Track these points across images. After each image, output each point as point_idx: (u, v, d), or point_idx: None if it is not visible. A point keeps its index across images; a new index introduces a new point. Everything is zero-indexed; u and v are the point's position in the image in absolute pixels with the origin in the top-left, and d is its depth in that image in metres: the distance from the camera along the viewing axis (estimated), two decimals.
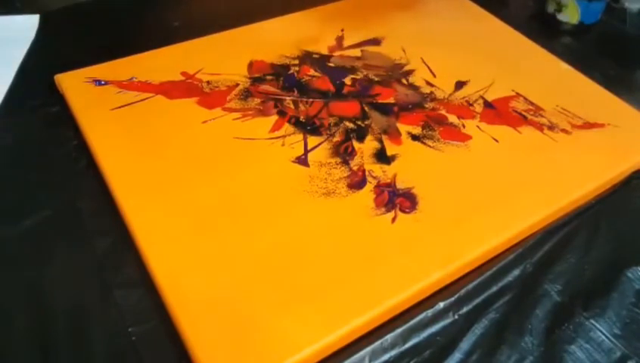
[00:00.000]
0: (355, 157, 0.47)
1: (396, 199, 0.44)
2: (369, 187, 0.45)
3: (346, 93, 0.54)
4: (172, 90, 0.52)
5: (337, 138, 0.49)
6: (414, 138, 0.50)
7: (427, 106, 0.53)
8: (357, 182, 0.45)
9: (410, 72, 0.57)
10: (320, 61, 0.57)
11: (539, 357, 0.37)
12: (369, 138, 0.49)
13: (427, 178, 0.46)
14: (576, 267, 0.42)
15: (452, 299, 0.39)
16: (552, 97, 0.55)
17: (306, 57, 0.57)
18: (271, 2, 0.66)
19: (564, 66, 0.59)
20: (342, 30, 0.61)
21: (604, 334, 0.38)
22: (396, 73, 0.57)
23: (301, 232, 0.41)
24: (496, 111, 0.53)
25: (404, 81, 0.56)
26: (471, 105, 0.54)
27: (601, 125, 0.52)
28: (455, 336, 0.38)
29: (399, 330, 0.37)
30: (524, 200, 0.45)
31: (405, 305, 0.38)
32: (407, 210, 0.43)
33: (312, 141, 0.48)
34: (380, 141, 0.49)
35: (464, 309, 0.39)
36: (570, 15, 0.67)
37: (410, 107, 0.53)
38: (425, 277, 0.39)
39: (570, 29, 0.67)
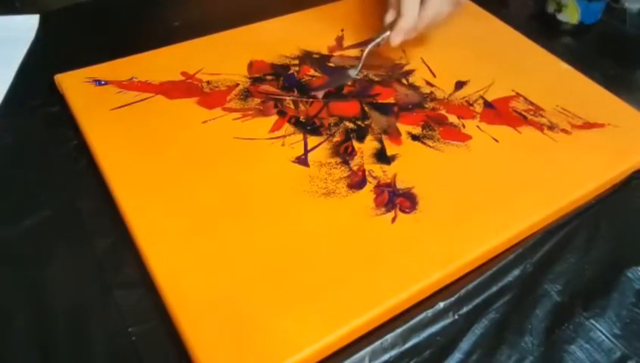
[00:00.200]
0: (355, 157, 0.47)
1: (396, 199, 0.44)
2: (369, 187, 0.45)
3: (346, 93, 0.54)
4: (172, 90, 0.52)
5: (337, 138, 0.49)
6: (414, 138, 0.50)
7: (427, 106, 0.53)
8: (357, 182, 0.45)
9: (410, 72, 0.57)
10: (320, 61, 0.57)
11: (539, 357, 0.37)
12: (369, 138, 0.49)
13: (427, 178, 0.46)
14: (576, 267, 0.42)
15: (452, 299, 0.39)
16: (552, 97, 0.55)
17: (306, 57, 0.57)
18: (271, 2, 0.66)
19: (564, 66, 0.59)
20: (342, 30, 0.62)
21: (604, 334, 0.38)
22: (396, 73, 0.57)
23: (301, 232, 0.41)
24: (496, 111, 0.53)
25: (404, 81, 0.56)
26: (471, 105, 0.54)
27: (601, 125, 0.52)
28: (455, 336, 0.38)
29: (399, 330, 0.37)
30: (524, 200, 0.45)
31: (405, 305, 0.39)
32: (407, 210, 0.43)
33: (312, 141, 0.48)
34: (380, 141, 0.49)
35: (464, 309, 0.39)
36: (570, 15, 0.67)
37: (410, 107, 0.53)
38: (425, 277, 0.39)
39: (570, 29, 0.67)
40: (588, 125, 0.52)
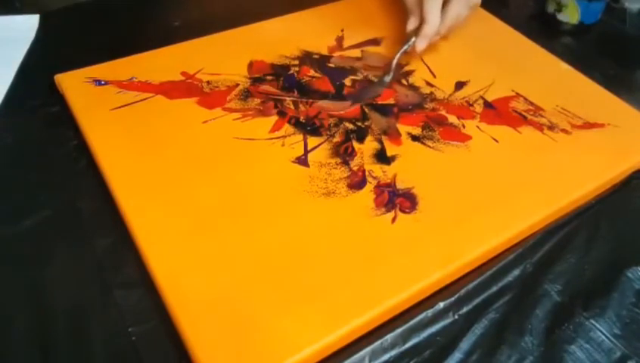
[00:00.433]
0: (355, 158, 0.47)
1: (396, 199, 0.44)
2: (369, 187, 0.45)
3: (346, 94, 0.54)
4: (172, 90, 0.52)
5: (336, 139, 0.49)
6: (414, 138, 0.50)
7: (427, 106, 0.53)
8: (357, 182, 0.45)
9: (410, 73, 0.57)
10: (320, 62, 0.57)
11: (539, 357, 0.37)
12: (369, 138, 0.49)
13: (427, 178, 0.46)
14: (576, 267, 0.42)
15: (452, 299, 0.39)
16: (552, 97, 0.55)
17: (306, 58, 0.57)
18: (271, 2, 0.66)
19: (564, 66, 0.59)
20: (342, 30, 0.61)
21: (604, 334, 0.38)
22: (396, 74, 0.57)
23: (301, 232, 0.41)
24: (496, 111, 0.53)
25: (404, 81, 0.56)
26: (471, 105, 0.54)
27: (601, 125, 0.53)
28: (455, 336, 0.38)
29: (399, 330, 0.37)
30: (524, 200, 0.45)
31: (405, 305, 0.39)
32: (407, 210, 0.43)
33: (312, 141, 0.48)
34: (380, 142, 0.49)
35: (464, 309, 0.39)
36: (570, 15, 0.67)
37: (410, 107, 0.53)
38: (425, 277, 0.39)
39: (570, 29, 0.67)
40: (588, 125, 0.52)
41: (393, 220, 0.43)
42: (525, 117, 0.53)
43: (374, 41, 0.61)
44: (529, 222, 0.44)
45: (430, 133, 0.50)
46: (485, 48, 0.61)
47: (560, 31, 0.68)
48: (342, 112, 0.51)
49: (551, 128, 0.52)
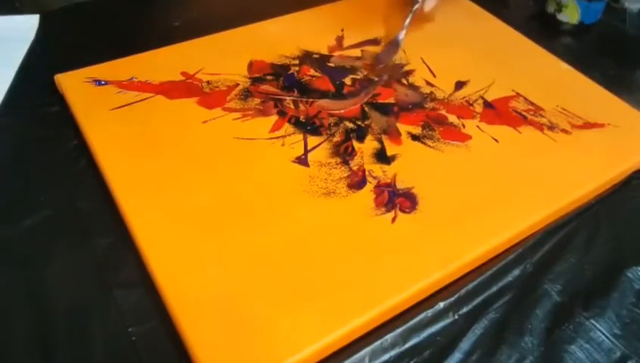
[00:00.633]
0: (355, 157, 0.47)
1: (396, 199, 0.44)
2: (369, 187, 0.45)
3: (346, 93, 0.54)
4: (172, 90, 0.52)
5: (336, 138, 0.49)
6: (414, 138, 0.50)
7: (427, 106, 0.53)
8: (357, 182, 0.45)
9: (410, 72, 0.57)
10: (320, 61, 0.57)
11: (539, 357, 0.37)
12: (369, 138, 0.49)
13: (427, 178, 0.46)
14: (576, 267, 0.42)
15: (452, 299, 0.39)
16: (552, 97, 0.55)
17: (306, 57, 0.57)
18: (271, 2, 0.66)
19: (564, 66, 0.59)
20: (342, 30, 0.61)
21: (604, 334, 0.38)
22: (396, 73, 0.57)
23: (301, 232, 0.41)
24: (496, 111, 0.53)
25: (404, 81, 0.56)
26: (471, 105, 0.54)
27: (601, 125, 0.52)
28: (455, 336, 0.38)
29: (399, 330, 0.37)
30: (524, 200, 0.45)
31: (405, 305, 0.39)
32: (407, 210, 0.43)
33: (312, 141, 0.48)
34: (380, 141, 0.49)
35: (464, 309, 0.39)
36: (570, 15, 0.67)
37: (410, 107, 0.53)
38: (425, 277, 0.39)
39: (570, 29, 0.67)
40: (588, 125, 0.52)
41: (393, 220, 0.43)
42: (525, 117, 0.53)
43: (374, 41, 0.61)
44: (529, 222, 0.44)
45: (430, 133, 0.50)
46: (485, 48, 0.61)
47: (560, 31, 0.68)
48: (342, 111, 0.51)
49: (551, 128, 0.52)
